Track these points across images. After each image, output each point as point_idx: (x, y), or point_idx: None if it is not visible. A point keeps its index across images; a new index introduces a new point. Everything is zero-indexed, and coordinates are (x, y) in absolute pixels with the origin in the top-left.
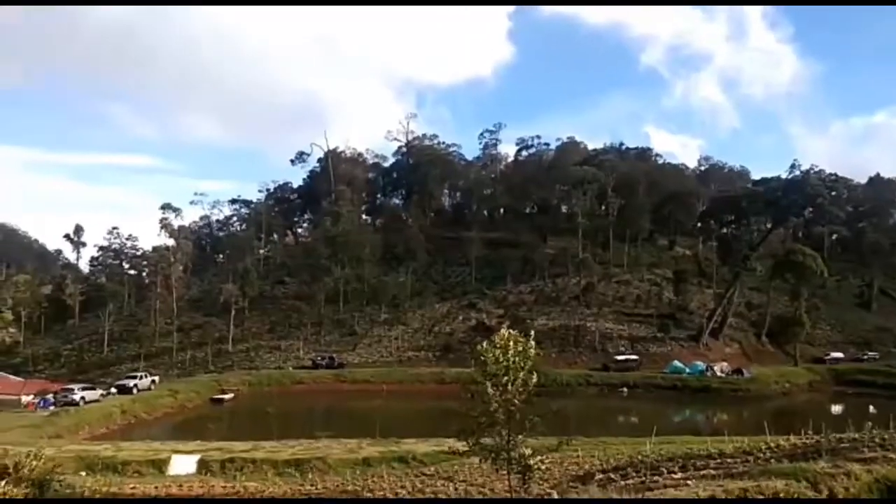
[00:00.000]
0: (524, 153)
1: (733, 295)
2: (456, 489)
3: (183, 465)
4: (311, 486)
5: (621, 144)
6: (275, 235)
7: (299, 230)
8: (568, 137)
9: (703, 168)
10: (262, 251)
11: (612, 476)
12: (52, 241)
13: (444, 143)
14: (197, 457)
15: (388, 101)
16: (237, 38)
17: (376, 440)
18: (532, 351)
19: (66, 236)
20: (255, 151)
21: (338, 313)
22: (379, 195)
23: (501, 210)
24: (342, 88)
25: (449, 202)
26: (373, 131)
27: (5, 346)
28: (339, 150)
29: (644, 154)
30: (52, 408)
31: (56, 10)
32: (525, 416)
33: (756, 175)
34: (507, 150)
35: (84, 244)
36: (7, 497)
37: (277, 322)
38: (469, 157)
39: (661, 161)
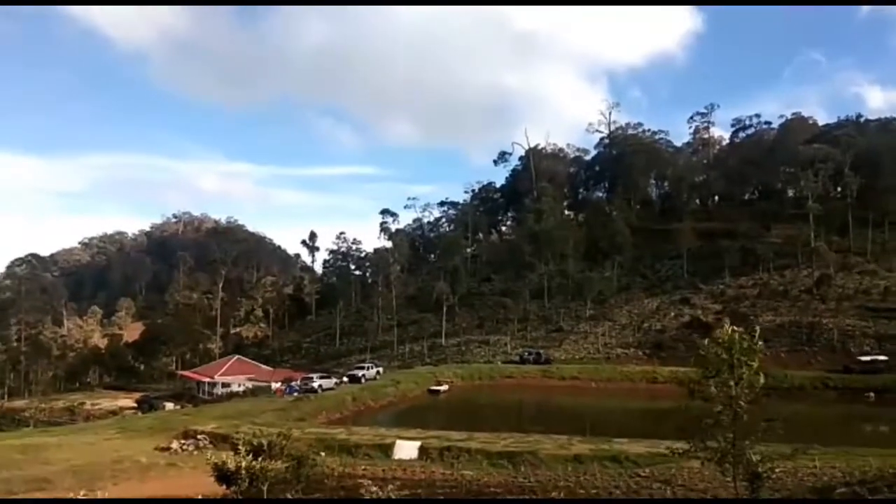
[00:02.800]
0: (741, 134)
1: None
2: (674, 493)
3: (406, 450)
4: (524, 478)
5: (859, 116)
6: (480, 234)
7: (503, 228)
8: (793, 113)
9: None
10: (469, 250)
11: (858, 490)
12: (292, 246)
13: (649, 130)
14: (418, 443)
15: (583, 91)
16: (430, 45)
17: (587, 438)
18: (758, 349)
19: (303, 242)
20: (457, 153)
21: (543, 309)
22: (581, 189)
23: (715, 198)
24: (537, 83)
25: (656, 192)
26: (573, 125)
27: (258, 339)
28: (539, 146)
29: (889, 125)
30: (295, 394)
31: (268, 36)
32: (753, 418)
33: None
34: (720, 133)
35: (318, 248)
36: (268, 469)
37: (485, 318)
38: (677, 143)
39: None
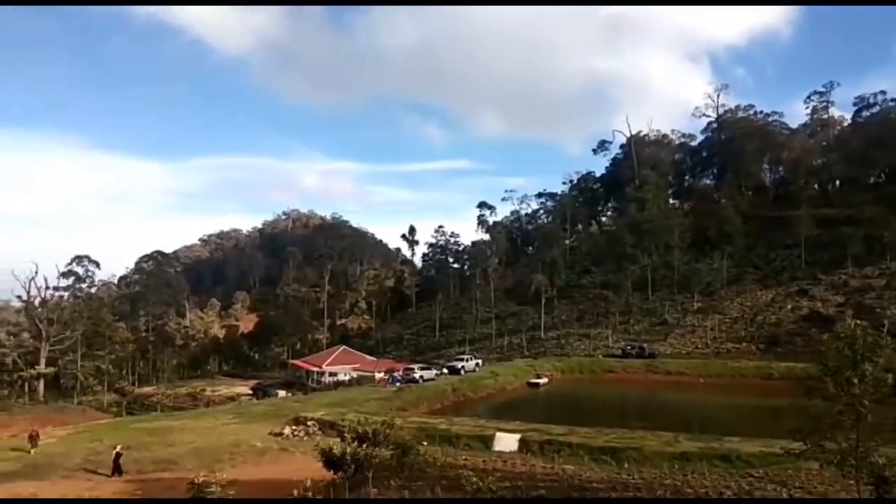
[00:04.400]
0: (864, 114)
1: None
2: (791, 495)
3: (506, 442)
4: (628, 475)
5: None
6: (579, 226)
7: (603, 219)
8: None
9: None
10: (568, 241)
11: None
12: (393, 240)
13: (761, 112)
14: (518, 436)
15: (683, 74)
16: (518, 36)
17: (694, 435)
18: (886, 344)
19: (403, 236)
20: (551, 144)
21: (646, 302)
22: (687, 177)
23: (836, 182)
24: (632, 67)
25: (769, 178)
26: (676, 110)
27: (362, 330)
28: (641, 133)
29: None
30: (398, 384)
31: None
32: (879, 419)
33: None
34: (840, 113)
35: (417, 242)
36: (373, 455)
37: (585, 310)
38: (791, 124)
39: None
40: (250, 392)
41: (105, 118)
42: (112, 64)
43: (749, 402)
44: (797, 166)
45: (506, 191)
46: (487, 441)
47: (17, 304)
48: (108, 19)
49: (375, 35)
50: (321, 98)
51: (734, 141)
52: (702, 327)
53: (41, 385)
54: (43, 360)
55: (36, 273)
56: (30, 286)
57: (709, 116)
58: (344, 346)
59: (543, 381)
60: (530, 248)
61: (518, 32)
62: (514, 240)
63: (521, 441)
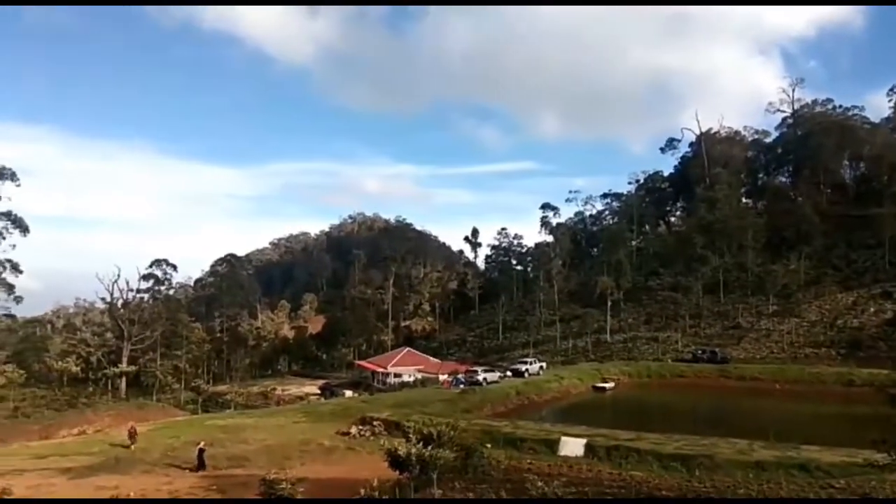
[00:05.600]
0: None
1: None
2: None
3: (572, 447)
4: (699, 483)
5: None
6: (647, 226)
7: (672, 219)
8: None
9: None
10: (634, 243)
11: None
12: (456, 243)
13: (840, 106)
14: (584, 440)
15: (753, 67)
16: (577, 36)
17: (770, 443)
18: None
19: (466, 238)
20: (614, 144)
21: (718, 304)
22: (761, 175)
23: None
24: (698, 63)
25: (849, 175)
26: (749, 105)
27: (425, 332)
28: (711, 130)
29: None
30: (461, 386)
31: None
32: None
33: None
34: None
35: (480, 244)
36: (438, 457)
37: (653, 313)
38: (873, 118)
39: None
40: (318, 392)
41: (180, 127)
42: (183, 74)
43: (829, 410)
44: (879, 162)
45: (570, 191)
46: (552, 445)
47: (101, 305)
48: (174, 30)
49: (432, 40)
50: (382, 103)
51: (811, 136)
52: (777, 331)
53: (123, 383)
54: (125, 359)
55: (118, 276)
56: (113, 288)
57: (784, 111)
58: (408, 348)
59: (610, 385)
60: (595, 250)
61: (576, 30)
62: (578, 241)
63: (587, 446)
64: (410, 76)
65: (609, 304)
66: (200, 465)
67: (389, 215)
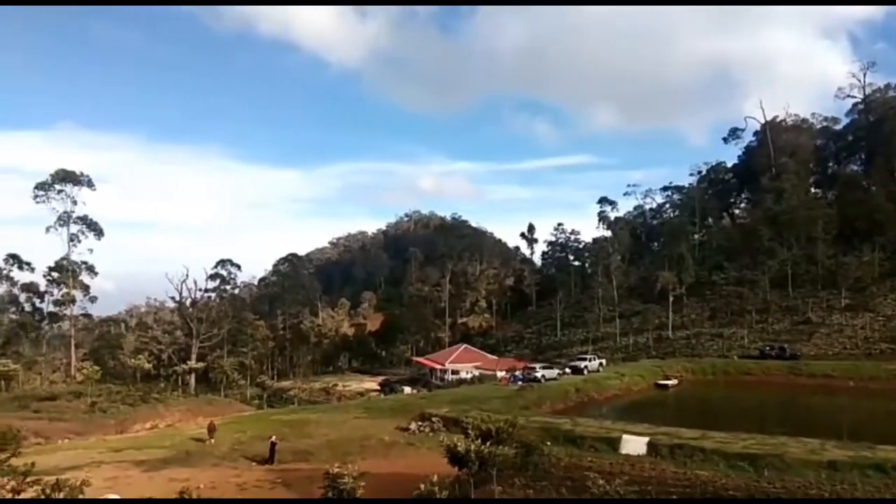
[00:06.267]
0: None
1: None
2: None
3: (633, 445)
4: (768, 483)
5: None
6: (710, 219)
7: (736, 211)
8: None
9: None
10: (696, 236)
11: None
12: (512, 239)
13: None
14: (646, 439)
15: (820, 51)
16: (629, 26)
17: (843, 442)
18: None
19: (522, 234)
20: (670, 135)
21: (786, 299)
22: (831, 163)
23: None
24: (758, 48)
25: None
26: (816, 92)
27: (482, 329)
28: (777, 118)
29: None
30: (519, 383)
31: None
32: None
33: None
34: None
35: (536, 240)
36: (497, 454)
37: (717, 309)
38: None
39: None
40: (378, 388)
41: (246, 132)
42: (245, 81)
43: None
44: None
45: (628, 185)
46: (614, 443)
47: (171, 304)
48: (233, 39)
49: (483, 37)
50: (434, 102)
51: (884, 122)
52: (850, 326)
53: (193, 379)
54: (194, 356)
55: (187, 276)
56: (181, 288)
57: (854, 97)
58: (465, 345)
59: (672, 382)
60: (655, 244)
61: (628, 20)
62: (637, 236)
63: (650, 444)
64: (462, 74)
65: (671, 299)
66: (271, 458)
67: (445, 213)
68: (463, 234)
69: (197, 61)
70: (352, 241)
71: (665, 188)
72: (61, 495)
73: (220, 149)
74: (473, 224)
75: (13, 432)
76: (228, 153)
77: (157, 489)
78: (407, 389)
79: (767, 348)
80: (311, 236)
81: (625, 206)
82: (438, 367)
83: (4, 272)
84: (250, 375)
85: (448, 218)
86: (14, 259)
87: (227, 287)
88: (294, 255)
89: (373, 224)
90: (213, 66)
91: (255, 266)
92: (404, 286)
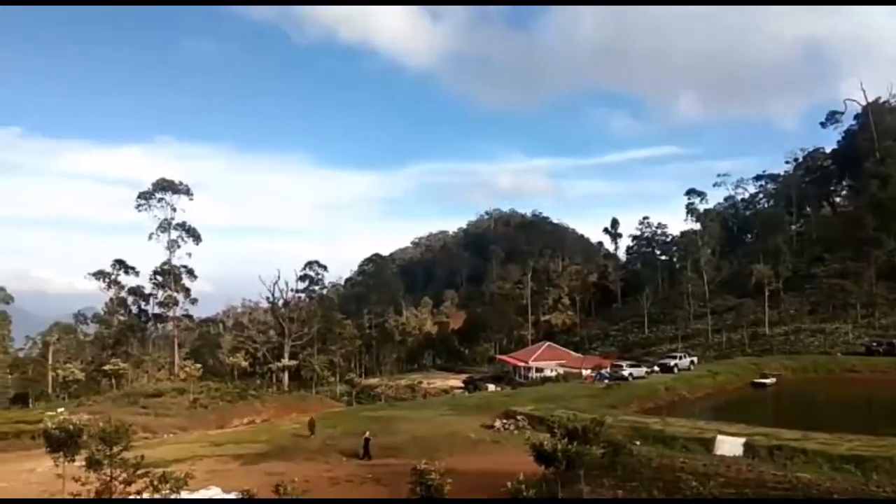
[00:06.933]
0: None
1: None
2: None
3: (729, 446)
4: (877, 486)
5: None
6: (808, 208)
7: (837, 199)
8: None
9: None
10: (793, 227)
11: None
12: (594, 234)
13: None
14: (742, 440)
15: None
16: (708, 13)
17: None
18: None
19: (605, 229)
20: (760, 122)
21: (894, 292)
22: None
23: None
24: (850, 27)
25: None
26: None
27: (566, 326)
28: (880, 100)
29: None
30: (605, 381)
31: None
32: None
33: None
34: None
35: (620, 235)
36: (584, 453)
37: (818, 303)
38: None
39: None
40: (462, 385)
41: (331, 138)
42: (324, 89)
43: None
44: None
45: (718, 175)
46: (707, 444)
47: (264, 305)
48: (313, 48)
49: (557, 34)
50: (510, 100)
51: None
52: None
53: (286, 376)
54: (286, 354)
55: (278, 277)
56: (274, 289)
57: None
58: (549, 343)
59: (770, 381)
60: (748, 236)
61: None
62: (729, 228)
63: (746, 445)
64: (536, 71)
65: (766, 293)
66: (366, 453)
67: (525, 210)
68: (544, 230)
69: (281, 72)
70: (433, 240)
71: (758, 177)
72: (167, 487)
73: (302, 155)
74: (554, 220)
75: (125, 427)
76: (310, 159)
77: (254, 482)
78: (491, 387)
79: (875, 344)
80: (393, 237)
81: (714, 198)
82: (522, 364)
83: (112, 277)
84: (339, 373)
85: (528, 215)
86: (120, 265)
87: (316, 287)
88: (378, 256)
89: (453, 223)
90: (295, 76)
91: (340, 266)
92: (486, 284)
